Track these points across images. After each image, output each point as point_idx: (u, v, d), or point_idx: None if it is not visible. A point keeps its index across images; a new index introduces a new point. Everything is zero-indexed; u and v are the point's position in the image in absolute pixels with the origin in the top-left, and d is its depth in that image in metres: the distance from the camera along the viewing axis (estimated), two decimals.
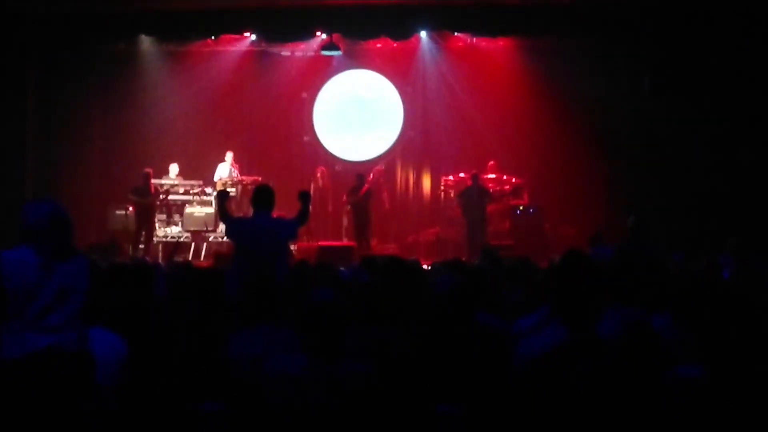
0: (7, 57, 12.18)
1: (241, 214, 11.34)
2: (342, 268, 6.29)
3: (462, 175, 13.07)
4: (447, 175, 13.53)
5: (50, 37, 12.49)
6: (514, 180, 13.16)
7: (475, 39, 13.66)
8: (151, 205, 12.53)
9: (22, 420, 3.17)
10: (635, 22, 11.81)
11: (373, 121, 14.74)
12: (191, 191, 13.02)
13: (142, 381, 3.49)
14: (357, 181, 12.98)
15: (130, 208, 12.62)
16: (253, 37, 13.58)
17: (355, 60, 14.53)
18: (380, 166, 14.04)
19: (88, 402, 3.29)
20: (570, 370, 2.85)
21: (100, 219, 12.92)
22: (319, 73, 14.60)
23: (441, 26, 13.26)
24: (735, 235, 7.87)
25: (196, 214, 12.83)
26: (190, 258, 11.95)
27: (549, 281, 4.15)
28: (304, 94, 14.66)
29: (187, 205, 12.93)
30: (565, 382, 2.83)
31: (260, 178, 12.49)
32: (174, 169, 13.11)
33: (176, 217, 13.05)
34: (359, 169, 13.60)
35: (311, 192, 11.82)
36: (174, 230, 12.96)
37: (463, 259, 8.08)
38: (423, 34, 13.62)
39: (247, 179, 12.97)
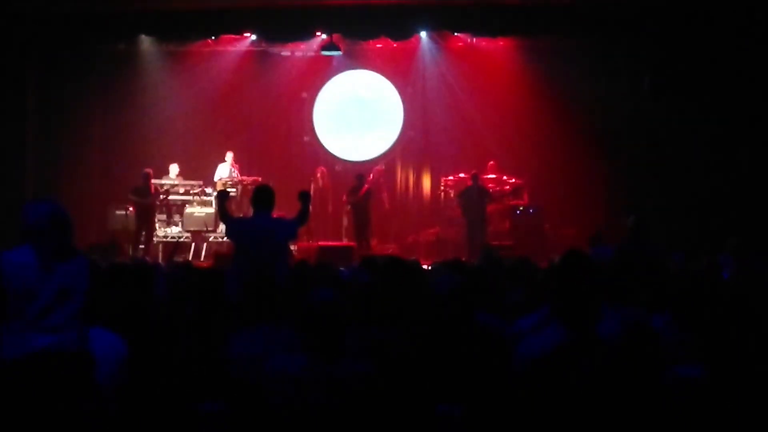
0: (7, 57, 12.17)
1: (241, 214, 11.35)
2: (342, 268, 6.29)
3: (462, 175, 13.07)
4: (447, 175, 13.53)
5: (50, 37, 12.48)
6: (514, 180, 13.16)
7: (475, 39, 13.66)
8: (151, 205, 12.53)
9: (22, 420, 3.17)
10: (635, 22, 11.80)
11: (373, 121, 14.74)
12: (191, 191, 13.02)
13: (142, 381, 3.49)
14: (357, 181, 12.98)
15: (130, 208, 12.61)
16: (253, 37, 13.58)
17: (355, 60, 14.54)
18: (380, 166, 14.04)
19: (88, 402, 3.29)
20: (570, 371, 2.85)
21: (100, 219, 12.92)
22: (319, 73, 14.61)
23: (441, 26, 13.25)
24: (735, 235, 7.88)
25: (196, 215, 12.83)
26: (190, 258, 11.95)
27: (549, 281, 4.15)
28: (304, 94, 14.66)
29: (187, 205, 12.93)
30: (565, 382, 2.83)
31: (260, 178, 12.49)
32: (174, 169, 13.11)
33: (176, 218, 13.05)
34: (359, 169, 13.59)
35: (311, 192, 11.83)
36: (174, 230, 12.96)
37: (463, 259, 8.07)
38: (423, 34, 13.62)
39: (247, 179, 12.97)
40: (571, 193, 12.95)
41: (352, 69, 14.70)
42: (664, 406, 2.98)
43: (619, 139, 12.86)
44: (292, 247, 10.91)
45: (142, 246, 12.26)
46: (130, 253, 11.94)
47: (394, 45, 13.91)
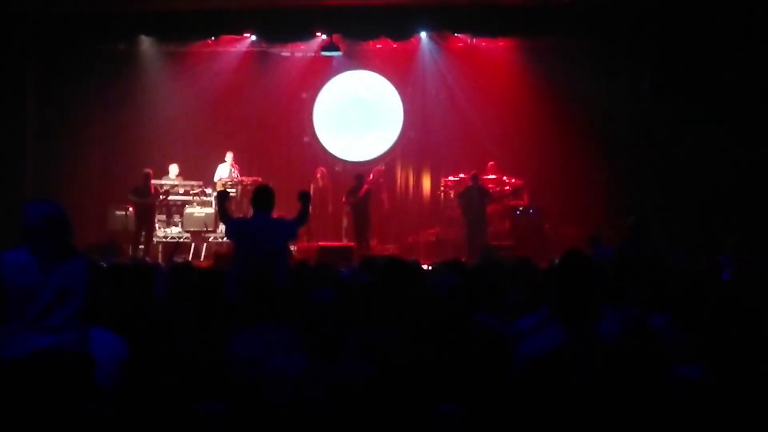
0: (7, 57, 12.17)
1: (241, 215, 11.34)
2: (342, 269, 6.28)
3: (462, 175, 13.07)
4: (447, 176, 13.54)
5: (50, 37, 12.48)
6: (514, 180, 13.16)
7: (475, 39, 13.67)
8: (151, 205, 12.53)
9: (22, 420, 3.17)
10: (635, 22, 11.81)
11: (373, 122, 14.74)
12: (191, 192, 13.02)
13: (142, 381, 3.49)
14: (356, 182, 12.98)
15: (130, 209, 12.61)
16: (253, 37, 13.59)
17: (355, 60, 14.54)
18: (380, 167, 14.05)
19: (88, 402, 3.29)
20: (570, 371, 2.84)
21: (100, 219, 12.91)
22: (319, 73, 14.61)
23: (441, 27, 13.26)
24: (735, 235, 7.88)
25: (196, 215, 12.83)
26: (190, 258, 11.95)
27: (549, 281, 4.15)
28: (304, 95, 14.67)
29: (187, 205, 12.93)
30: (565, 383, 2.83)
31: (260, 179, 12.48)
32: (174, 169, 13.11)
33: (176, 218, 13.05)
34: (359, 170, 13.60)
35: (311, 192, 11.83)
36: (174, 231, 12.96)
37: (463, 259, 8.08)
38: (423, 34, 13.63)
39: (247, 180, 12.98)
40: (571, 193, 12.95)
41: (352, 69, 14.70)
42: (664, 406, 2.98)
43: (619, 139, 12.86)
44: (292, 248, 10.92)
45: (142, 246, 12.27)
46: (130, 253, 11.94)
47: (394, 45, 13.91)
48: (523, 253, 8.97)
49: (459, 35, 13.63)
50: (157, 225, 12.82)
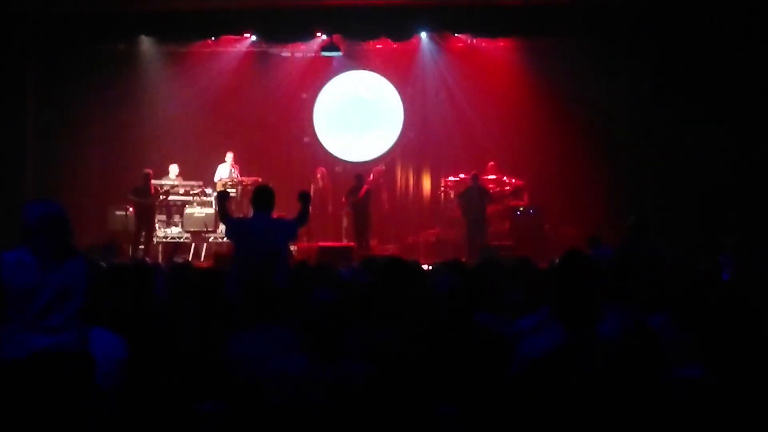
0: (7, 57, 12.17)
1: (241, 215, 11.34)
2: (342, 269, 6.28)
3: (462, 175, 13.08)
4: (447, 176, 13.54)
5: (50, 37, 12.48)
6: (514, 181, 13.16)
7: (475, 40, 13.68)
8: (151, 205, 12.53)
9: (22, 420, 3.17)
10: (635, 22, 11.81)
11: (373, 122, 14.75)
12: (191, 192, 13.02)
13: (142, 381, 3.49)
14: (356, 182, 12.98)
15: (130, 209, 12.61)
16: (254, 37, 13.59)
17: (355, 61, 14.54)
18: (380, 167, 14.05)
19: (88, 402, 3.29)
20: (570, 371, 2.84)
21: (100, 219, 12.91)
22: (319, 73, 14.61)
23: (441, 27, 13.26)
24: (735, 235, 7.88)
25: (196, 215, 12.83)
26: (190, 258, 11.95)
27: (549, 282, 4.15)
28: (305, 95, 14.67)
29: (187, 205, 12.93)
30: (565, 383, 2.83)
31: (260, 179, 12.47)
32: (174, 169, 13.11)
33: (176, 218, 13.05)
34: (359, 170, 13.60)
35: (311, 193, 11.82)
36: (174, 231, 12.96)
37: (463, 259, 8.08)
38: (423, 34, 13.63)
39: (248, 180, 12.97)
40: (571, 193, 12.94)
41: (352, 69, 14.70)
42: (663, 406, 2.97)
43: (619, 139, 12.86)
44: (292, 248, 10.92)
45: (142, 246, 12.27)
46: (130, 253, 11.94)
47: (394, 45, 13.91)
48: (523, 253, 8.97)
49: (459, 35, 13.64)
50: (157, 225, 12.82)
